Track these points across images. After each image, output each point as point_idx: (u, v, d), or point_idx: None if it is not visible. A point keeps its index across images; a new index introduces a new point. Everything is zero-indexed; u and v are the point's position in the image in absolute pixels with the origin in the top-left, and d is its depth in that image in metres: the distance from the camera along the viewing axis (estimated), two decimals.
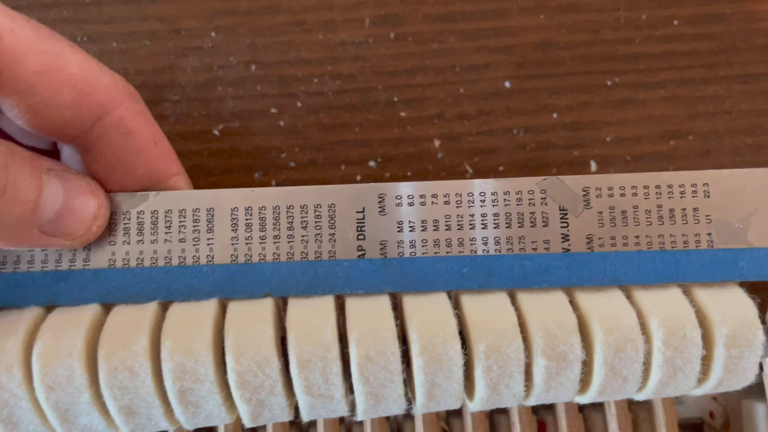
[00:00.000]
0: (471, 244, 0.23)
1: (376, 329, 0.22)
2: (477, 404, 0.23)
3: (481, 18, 0.32)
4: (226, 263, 0.23)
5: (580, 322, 0.22)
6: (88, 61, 0.23)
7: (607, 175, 0.23)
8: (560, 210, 0.23)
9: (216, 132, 0.32)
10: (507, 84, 0.32)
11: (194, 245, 0.23)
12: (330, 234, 0.23)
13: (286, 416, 0.23)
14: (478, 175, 0.32)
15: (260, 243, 0.23)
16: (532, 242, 0.23)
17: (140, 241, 0.23)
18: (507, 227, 0.23)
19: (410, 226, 0.23)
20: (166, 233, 0.23)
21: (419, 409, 0.23)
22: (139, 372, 0.21)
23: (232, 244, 0.23)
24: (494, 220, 0.23)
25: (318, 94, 0.32)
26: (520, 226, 0.23)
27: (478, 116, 0.32)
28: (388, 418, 0.28)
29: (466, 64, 0.32)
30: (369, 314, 0.22)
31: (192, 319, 0.22)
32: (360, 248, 0.23)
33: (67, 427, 0.22)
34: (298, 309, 0.22)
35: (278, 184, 0.32)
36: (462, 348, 0.22)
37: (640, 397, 0.23)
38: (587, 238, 0.23)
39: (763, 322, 0.22)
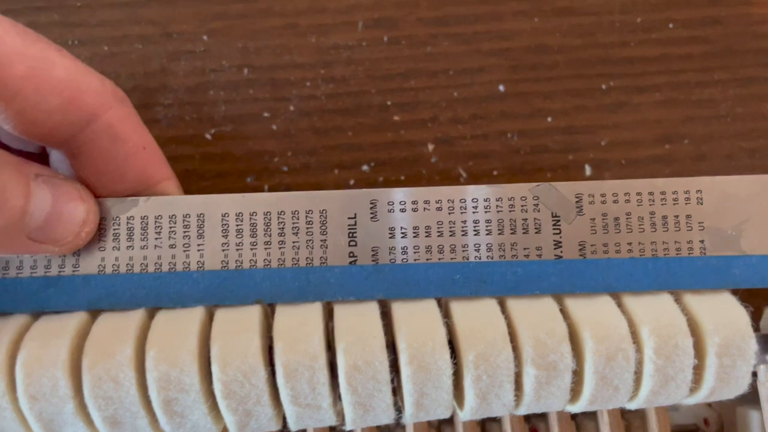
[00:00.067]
0: (463, 251, 0.23)
1: (364, 338, 0.22)
2: (467, 414, 0.23)
3: (475, 21, 0.33)
4: (216, 269, 0.23)
5: (570, 331, 0.22)
6: (76, 65, 0.23)
7: (599, 182, 0.23)
8: (553, 216, 0.23)
9: (208, 136, 0.32)
10: (501, 88, 0.32)
11: (184, 251, 0.23)
12: (321, 240, 0.23)
13: (274, 426, 0.23)
14: (472, 180, 0.32)
15: (251, 249, 0.23)
16: (525, 249, 0.23)
17: (130, 246, 0.23)
18: (499, 234, 0.23)
19: (402, 232, 0.23)
20: (156, 239, 0.23)
21: (408, 419, 0.23)
22: (124, 382, 0.21)
23: (223, 250, 0.23)
24: (486, 226, 0.23)
25: (311, 97, 0.32)
26: (512, 233, 0.23)
27: (472, 120, 0.32)
28: (379, 427, 0.28)
29: (459, 67, 0.32)
30: (357, 323, 0.22)
31: (177, 328, 0.22)
32: (352, 254, 0.23)
33: None
34: (285, 317, 0.22)
35: (271, 189, 0.32)
36: (452, 357, 0.22)
37: (631, 406, 0.24)
38: (580, 245, 0.23)
39: (756, 329, 0.23)
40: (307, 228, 0.23)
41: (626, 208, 0.23)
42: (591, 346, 0.22)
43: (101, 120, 0.23)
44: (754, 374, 0.25)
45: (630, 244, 0.23)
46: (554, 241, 0.23)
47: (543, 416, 0.29)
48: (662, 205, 0.23)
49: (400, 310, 0.23)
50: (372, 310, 0.23)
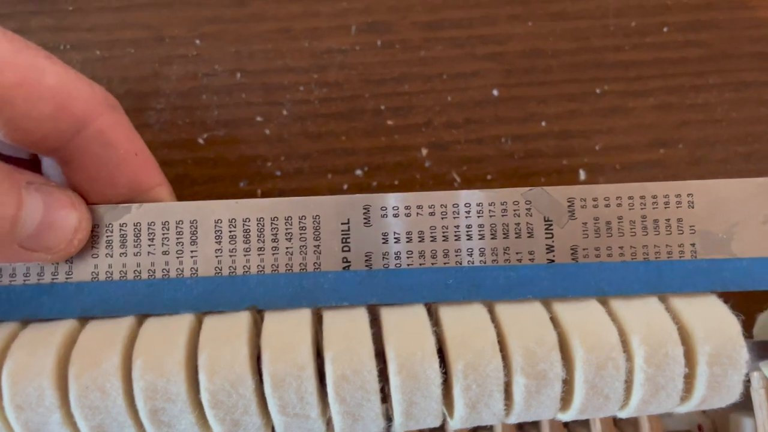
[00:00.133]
0: (456, 256, 0.24)
1: (352, 348, 0.22)
2: (457, 423, 0.23)
3: (469, 25, 0.33)
4: (210, 276, 0.24)
5: (560, 339, 0.22)
6: (66, 72, 0.23)
7: (592, 186, 0.24)
8: (545, 221, 0.24)
9: (201, 141, 0.32)
10: (495, 92, 0.33)
11: (178, 257, 0.24)
12: (315, 246, 0.24)
13: None
14: (466, 184, 0.32)
15: (244, 255, 0.24)
16: (517, 253, 0.24)
17: (123, 253, 0.24)
18: (492, 238, 0.24)
19: (395, 238, 0.24)
20: (149, 245, 0.24)
21: (398, 428, 0.23)
22: (111, 391, 0.21)
23: (216, 257, 0.24)
24: (479, 231, 0.24)
25: (304, 102, 0.33)
26: (505, 237, 0.24)
27: (466, 124, 0.33)
28: None
29: (453, 72, 0.33)
30: (346, 332, 0.22)
31: (165, 337, 0.22)
32: (345, 260, 0.24)
33: None
34: (273, 326, 0.23)
35: (264, 194, 0.32)
36: (441, 365, 0.22)
37: (622, 414, 0.24)
38: (572, 249, 0.24)
39: (749, 336, 0.23)
40: (301, 234, 0.24)
41: (618, 212, 0.24)
42: (581, 355, 0.22)
43: (92, 127, 0.24)
44: (748, 381, 0.25)
45: (622, 247, 0.24)
46: (546, 245, 0.24)
47: (535, 424, 0.29)
48: (654, 208, 0.24)
49: (389, 318, 0.23)
50: (361, 318, 0.23)
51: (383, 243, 0.24)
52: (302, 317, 0.23)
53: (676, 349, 0.22)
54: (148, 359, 0.21)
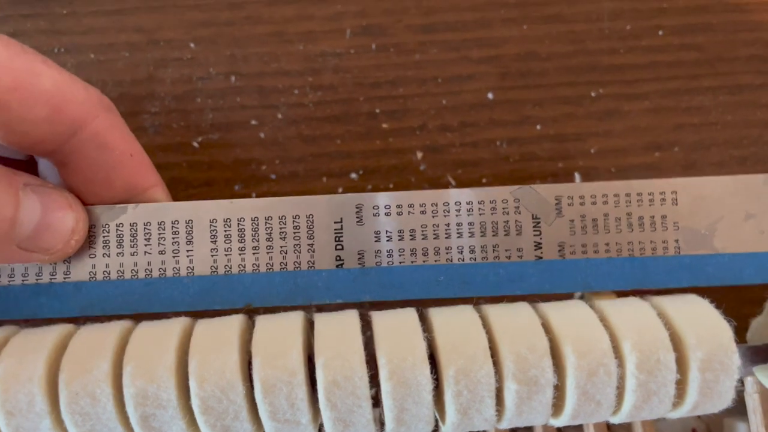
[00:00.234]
0: (447, 253, 0.25)
1: (343, 353, 0.22)
2: (449, 428, 0.24)
3: (464, 29, 0.34)
4: (206, 275, 0.25)
5: (551, 345, 0.23)
6: (62, 75, 0.24)
7: (578, 184, 0.25)
8: (533, 218, 0.25)
9: (195, 144, 0.34)
10: (490, 95, 0.34)
11: (174, 257, 0.25)
12: (308, 244, 0.25)
13: None
14: (461, 188, 0.33)
15: (239, 254, 0.25)
16: (506, 250, 0.25)
17: (120, 253, 0.25)
18: (482, 236, 0.25)
19: (387, 236, 0.25)
20: (146, 245, 0.25)
21: None
22: (101, 398, 0.22)
23: (212, 256, 0.25)
24: (469, 229, 0.25)
25: (299, 105, 0.34)
26: (494, 235, 0.25)
27: (461, 128, 0.34)
28: None
29: (448, 75, 0.34)
30: (337, 337, 0.23)
31: (155, 343, 0.23)
32: (338, 258, 0.25)
33: None
34: (264, 332, 0.23)
35: (259, 197, 0.32)
36: (433, 371, 0.23)
37: (615, 420, 0.25)
38: (559, 245, 0.25)
39: (743, 341, 0.24)
40: (295, 233, 0.25)
41: (604, 210, 0.25)
42: (572, 361, 0.23)
43: (88, 129, 0.25)
44: (742, 385, 0.27)
45: (607, 244, 0.25)
46: (534, 242, 0.25)
47: (529, 429, 0.30)
48: (638, 206, 0.25)
49: (380, 323, 0.24)
50: (352, 323, 0.24)
51: (375, 241, 0.25)
52: (294, 323, 0.24)
53: (668, 355, 0.23)
54: (139, 365, 0.22)
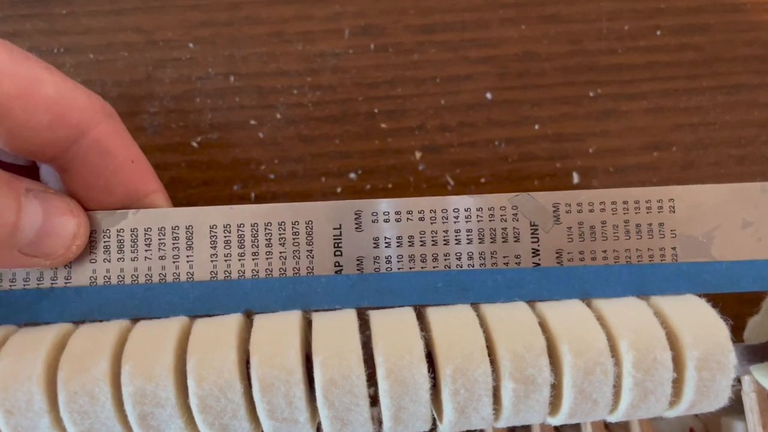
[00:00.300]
0: (445, 259, 0.25)
1: (341, 352, 0.22)
2: (446, 427, 0.24)
3: (462, 29, 0.34)
4: (205, 280, 0.25)
5: (548, 344, 0.23)
6: (65, 82, 0.24)
7: (576, 191, 0.25)
8: (531, 225, 0.25)
9: (194, 144, 0.34)
10: (488, 95, 0.34)
11: (174, 262, 0.25)
12: (308, 250, 0.25)
13: None
14: (460, 187, 0.34)
15: (239, 260, 0.25)
16: (504, 257, 0.25)
17: (121, 258, 0.25)
18: (480, 243, 0.25)
19: (386, 242, 0.25)
20: (146, 251, 0.25)
21: None
22: (99, 396, 0.22)
23: (212, 261, 0.25)
24: (467, 235, 0.25)
25: (297, 105, 0.34)
26: (492, 242, 0.25)
27: (460, 128, 0.34)
28: None
29: (447, 75, 0.34)
30: (334, 336, 0.23)
31: (154, 342, 0.23)
32: (337, 264, 0.25)
33: None
34: (262, 331, 0.23)
35: (258, 197, 0.34)
36: (431, 370, 0.23)
37: (612, 419, 0.25)
38: (557, 252, 0.25)
39: (740, 340, 0.24)
40: (294, 239, 0.25)
41: (602, 217, 0.25)
42: (569, 360, 0.23)
43: (90, 135, 0.25)
44: (739, 384, 0.27)
45: (605, 251, 0.25)
46: (532, 249, 0.25)
47: (527, 428, 0.30)
48: (636, 213, 0.25)
49: (378, 322, 0.24)
50: (350, 322, 0.24)
51: (374, 247, 0.25)
52: (291, 322, 0.24)
53: (665, 354, 0.23)
54: (137, 364, 0.22)
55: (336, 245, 0.25)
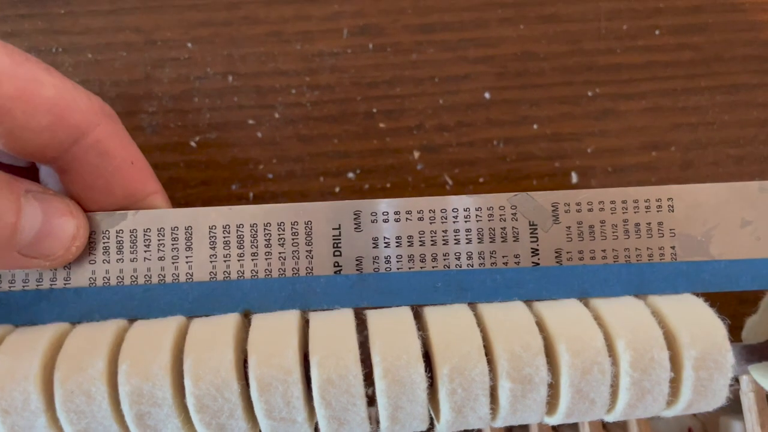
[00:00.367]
0: (444, 259, 0.25)
1: (338, 352, 0.22)
2: (443, 427, 0.24)
3: (461, 28, 0.34)
4: (205, 281, 0.25)
5: (546, 344, 0.23)
6: (64, 84, 0.24)
7: (575, 191, 0.26)
8: (530, 225, 0.25)
9: (193, 143, 0.34)
10: (487, 95, 0.34)
11: (173, 263, 0.25)
12: (307, 251, 0.25)
13: None
14: (458, 187, 0.34)
15: (238, 260, 0.25)
16: (503, 257, 0.25)
17: (120, 259, 0.25)
18: (479, 242, 0.25)
19: (385, 242, 0.25)
20: (146, 251, 0.25)
21: None
22: (96, 396, 0.22)
23: (211, 262, 0.25)
24: (467, 235, 0.25)
25: (296, 105, 0.34)
26: (491, 241, 0.25)
27: (458, 127, 0.34)
28: None
29: (445, 74, 0.34)
30: (332, 335, 0.23)
31: (151, 341, 0.23)
32: (336, 264, 0.25)
33: None
34: (260, 330, 0.23)
35: (256, 196, 0.34)
36: (427, 369, 0.23)
37: (609, 418, 0.25)
38: (556, 252, 0.25)
39: (739, 340, 0.24)
40: (293, 239, 0.25)
41: (600, 216, 0.26)
42: (566, 359, 0.23)
43: (90, 137, 0.25)
44: (738, 383, 0.27)
45: (604, 250, 0.25)
46: (531, 248, 0.25)
47: (525, 427, 0.30)
48: (635, 212, 0.26)
49: (375, 322, 0.24)
50: (347, 322, 0.24)
51: (374, 247, 0.25)
52: (289, 321, 0.24)
53: (662, 354, 0.23)
54: (134, 363, 0.22)
55: (335, 245, 0.25)
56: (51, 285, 0.25)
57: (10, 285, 0.25)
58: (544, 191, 0.26)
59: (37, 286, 0.25)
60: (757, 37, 0.35)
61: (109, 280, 0.25)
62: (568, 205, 0.26)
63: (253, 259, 0.25)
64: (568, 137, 0.34)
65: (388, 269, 0.25)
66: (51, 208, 0.24)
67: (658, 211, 0.26)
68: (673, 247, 0.26)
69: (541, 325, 0.24)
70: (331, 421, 0.23)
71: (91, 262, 0.25)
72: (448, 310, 0.25)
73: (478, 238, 0.26)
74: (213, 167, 0.34)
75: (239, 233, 0.25)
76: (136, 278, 0.25)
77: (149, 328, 0.24)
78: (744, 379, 0.28)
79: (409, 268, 0.25)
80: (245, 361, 0.23)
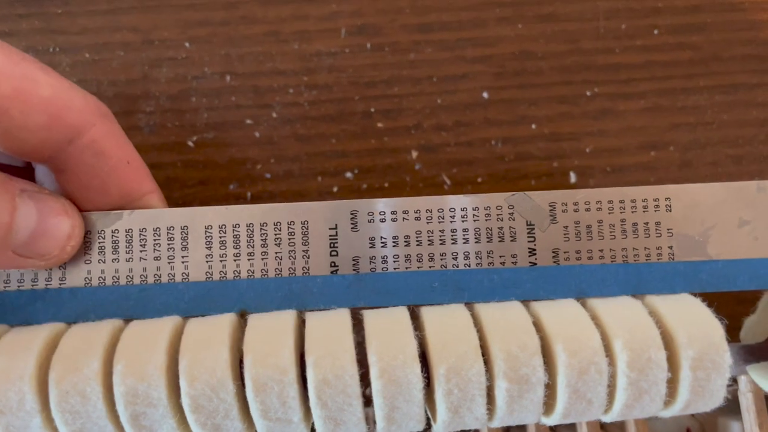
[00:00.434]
0: (441, 259, 0.25)
1: (334, 352, 0.22)
2: (440, 427, 0.24)
3: (459, 28, 0.34)
4: (201, 281, 0.25)
5: (542, 344, 0.23)
6: (60, 83, 0.24)
7: (572, 191, 0.25)
8: (527, 225, 0.25)
9: (190, 143, 0.34)
10: (485, 94, 0.34)
11: (169, 263, 0.25)
12: (303, 251, 0.25)
13: None
14: (456, 187, 0.34)
15: (234, 260, 0.25)
16: (501, 256, 0.25)
17: (115, 259, 0.25)
18: (476, 242, 0.25)
19: (382, 242, 0.25)
20: (141, 251, 0.25)
21: None
22: (91, 396, 0.22)
23: (207, 262, 0.25)
24: (464, 235, 0.25)
25: (294, 104, 0.34)
26: (488, 241, 0.25)
27: (456, 127, 0.34)
28: None
29: (443, 74, 0.34)
30: (328, 335, 0.23)
31: (146, 341, 0.23)
32: (333, 264, 0.25)
33: None
34: (256, 330, 0.23)
35: (253, 196, 0.34)
36: (424, 369, 0.23)
37: (606, 418, 0.25)
38: (553, 252, 0.25)
39: (737, 340, 0.24)
40: (289, 239, 0.25)
41: (598, 216, 0.25)
42: (563, 359, 0.23)
43: (86, 136, 0.25)
44: (736, 383, 0.27)
45: (602, 250, 0.25)
46: (529, 248, 0.25)
47: (522, 428, 0.30)
48: (632, 212, 0.26)
49: (371, 322, 0.24)
50: (343, 322, 0.24)
51: (370, 247, 0.25)
52: (285, 321, 0.24)
53: (659, 354, 0.23)
54: (129, 364, 0.22)
55: (332, 245, 0.25)
56: (46, 285, 0.25)
57: (5, 285, 0.25)
58: (541, 191, 0.26)
59: (32, 286, 0.25)
60: (756, 36, 0.35)
61: (104, 280, 0.25)
62: (566, 205, 0.26)
63: (249, 259, 0.25)
64: (566, 137, 0.34)
65: (385, 269, 0.25)
66: (46, 207, 0.24)
67: (655, 211, 0.26)
68: (670, 247, 0.26)
69: (538, 325, 0.24)
70: (328, 421, 0.23)
71: (87, 261, 0.25)
72: (445, 310, 0.25)
73: (476, 238, 0.25)
74: (210, 167, 0.34)
75: (235, 233, 0.25)
76: (132, 278, 0.25)
77: (145, 328, 0.24)
78: (742, 380, 0.28)
79: (406, 268, 0.25)
80: (241, 362, 0.23)
